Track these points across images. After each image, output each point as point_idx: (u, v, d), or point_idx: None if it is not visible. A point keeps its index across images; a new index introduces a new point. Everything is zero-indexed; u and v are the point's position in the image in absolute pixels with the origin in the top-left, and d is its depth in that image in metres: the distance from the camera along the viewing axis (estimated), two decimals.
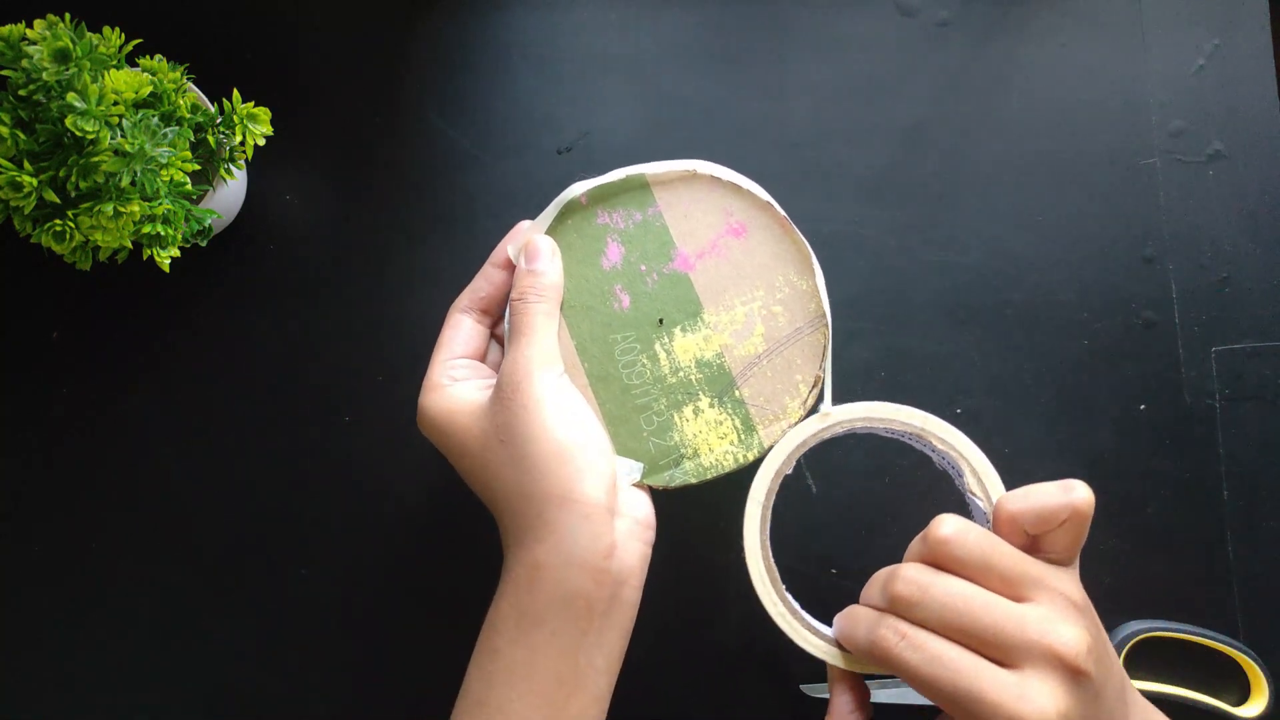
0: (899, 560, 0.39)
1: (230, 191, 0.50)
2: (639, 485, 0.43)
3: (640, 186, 0.44)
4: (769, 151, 0.54)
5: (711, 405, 0.43)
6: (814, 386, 0.43)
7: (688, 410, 0.43)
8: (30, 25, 0.42)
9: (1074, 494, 0.36)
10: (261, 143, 0.47)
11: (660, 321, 0.44)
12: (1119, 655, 0.49)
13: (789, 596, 0.42)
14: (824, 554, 0.51)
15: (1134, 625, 0.49)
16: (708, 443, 0.43)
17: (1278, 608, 0.51)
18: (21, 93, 0.41)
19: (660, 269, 0.44)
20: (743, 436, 0.43)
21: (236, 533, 0.53)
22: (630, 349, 0.44)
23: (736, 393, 0.43)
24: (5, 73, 0.42)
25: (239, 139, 0.47)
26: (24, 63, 0.41)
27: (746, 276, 0.44)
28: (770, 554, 0.42)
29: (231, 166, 0.48)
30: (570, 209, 0.45)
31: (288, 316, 0.54)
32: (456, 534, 0.52)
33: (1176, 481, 0.51)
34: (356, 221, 0.54)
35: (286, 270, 0.54)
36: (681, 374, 0.43)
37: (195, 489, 0.53)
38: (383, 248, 0.54)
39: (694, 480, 0.43)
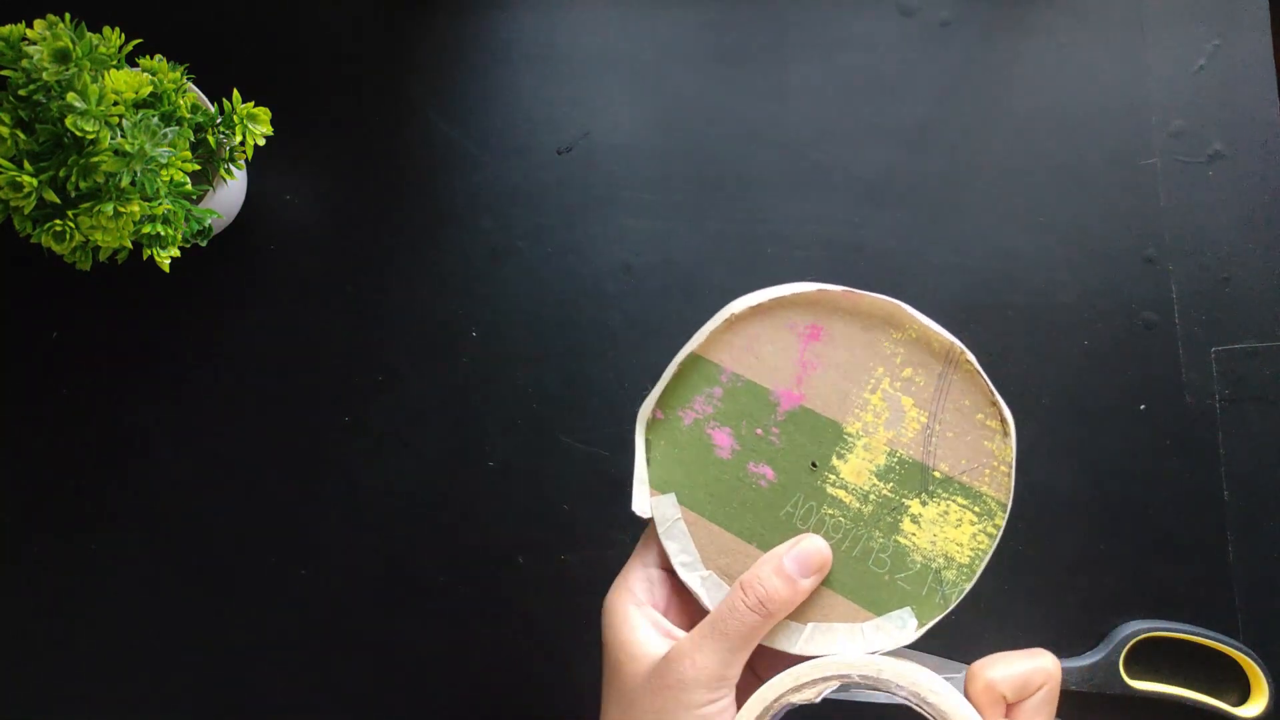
0: None
1: (230, 191, 0.50)
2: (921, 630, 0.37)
3: (696, 363, 0.40)
4: (769, 152, 0.54)
5: (924, 503, 0.37)
6: (996, 410, 0.37)
7: (905, 524, 0.37)
8: (30, 25, 0.41)
9: (1045, 659, 0.36)
10: (261, 143, 0.47)
11: (814, 465, 0.38)
12: (1119, 655, 0.49)
13: None
14: None
15: (1134, 625, 0.49)
16: (951, 539, 0.37)
17: (1278, 608, 0.51)
18: (21, 93, 0.41)
19: (774, 420, 0.39)
20: (977, 509, 0.37)
21: (236, 532, 0.53)
22: (807, 510, 0.38)
23: (936, 474, 0.37)
24: (5, 73, 0.42)
25: (239, 139, 0.47)
26: (24, 63, 0.41)
27: (856, 366, 0.38)
28: None
29: (231, 166, 0.48)
30: (653, 428, 0.40)
31: (288, 316, 0.54)
32: (456, 534, 0.52)
33: (1176, 481, 0.51)
34: (356, 221, 0.54)
35: (286, 270, 0.54)
36: (872, 496, 0.38)
37: (195, 488, 0.53)
38: (383, 248, 0.54)
39: (967, 584, 0.37)
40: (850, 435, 0.38)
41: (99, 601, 0.52)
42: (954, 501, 0.37)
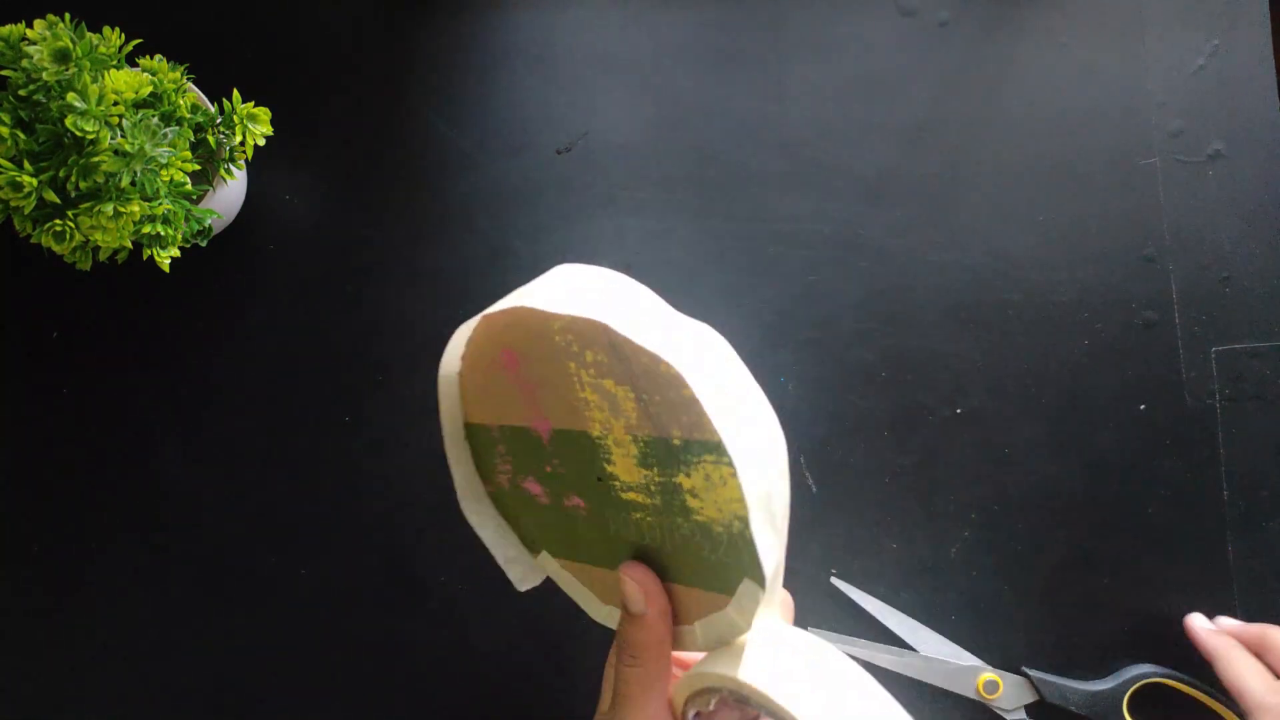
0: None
1: (230, 191, 0.50)
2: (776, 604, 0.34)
3: (473, 432, 0.40)
4: (769, 151, 0.54)
5: (688, 475, 0.33)
6: (657, 358, 0.31)
7: (691, 502, 0.33)
8: (30, 25, 0.41)
9: None
10: (261, 143, 0.47)
11: (599, 479, 0.36)
12: (1124, 692, 0.49)
13: None
14: (823, 554, 0.51)
15: (1145, 668, 0.49)
16: (730, 499, 0.32)
17: (1278, 609, 0.51)
18: (21, 93, 0.41)
19: (548, 453, 0.37)
20: (726, 459, 0.31)
21: (236, 532, 0.53)
22: (622, 522, 0.36)
23: (675, 442, 0.32)
24: (5, 73, 0.42)
25: (239, 139, 0.47)
26: (24, 63, 0.41)
27: (555, 372, 0.35)
28: None
29: (231, 166, 0.48)
30: (495, 501, 0.41)
31: (288, 316, 0.54)
32: (456, 534, 0.52)
33: (1176, 481, 0.51)
34: (356, 221, 0.54)
35: (286, 270, 0.54)
36: (651, 487, 0.34)
37: (195, 488, 0.53)
38: (383, 248, 0.54)
39: (769, 530, 0.32)
40: (599, 438, 0.35)
41: (99, 601, 0.52)
42: (704, 462, 0.32)
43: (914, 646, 0.50)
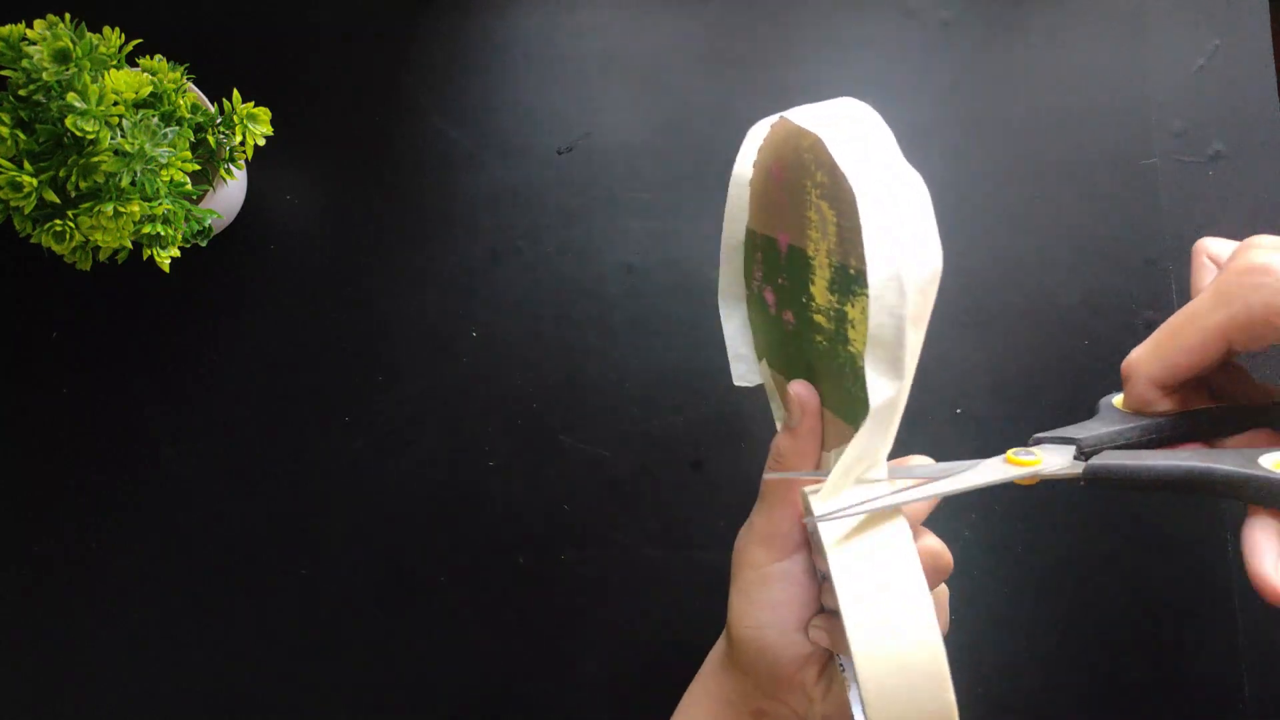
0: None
1: (230, 191, 0.50)
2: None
3: (749, 237, 0.43)
4: None
5: (852, 304, 0.34)
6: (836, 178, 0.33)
7: (850, 333, 0.34)
8: (30, 25, 0.41)
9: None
10: (261, 143, 0.47)
11: (804, 299, 0.38)
12: None
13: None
14: None
15: None
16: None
17: (1278, 609, 0.51)
18: (21, 93, 0.41)
19: (782, 265, 0.39)
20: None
21: (236, 532, 0.53)
22: (815, 343, 0.37)
23: (851, 271, 0.33)
24: (5, 73, 0.42)
25: (239, 139, 0.47)
26: (24, 63, 0.41)
27: (797, 189, 0.37)
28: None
29: (231, 166, 0.48)
30: (747, 303, 0.45)
31: (288, 316, 0.54)
32: (456, 534, 0.52)
33: None
34: (356, 221, 0.54)
35: (286, 270, 0.54)
36: (832, 313, 0.35)
37: (195, 488, 0.53)
38: (383, 248, 0.54)
39: (885, 366, 0.32)
40: (811, 258, 0.37)
41: (99, 601, 0.52)
42: (864, 295, 0.32)
43: None
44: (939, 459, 0.49)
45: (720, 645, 0.42)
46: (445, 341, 0.53)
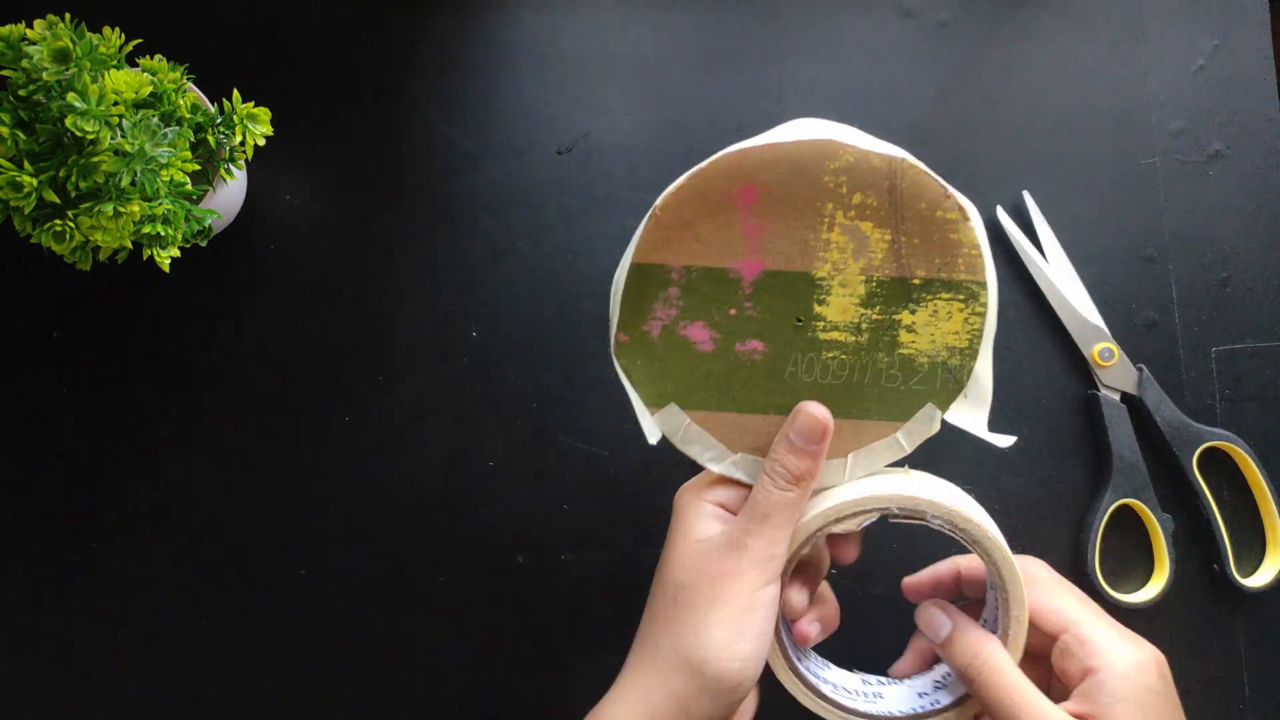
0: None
1: (230, 191, 0.50)
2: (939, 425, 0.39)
3: (641, 274, 0.39)
4: None
5: (913, 311, 0.38)
6: (953, 201, 0.37)
7: (903, 337, 0.38)
8: (30, 25, 0.41)
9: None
10: (261, 143, 0.47)
11: (798, 321, 0.38)
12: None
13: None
14: None
15: None
16: (947, 332, 0.38)
17: (1278, 610, 0.51)
18: (21, 93, 0.41)
19: (743, 295, 0.38)
20: (962, 297, 0.37)
21: (236, 532, 0.53)
22: (808, 363, 0.39)
23: (916, 281, 0.37)
24: (5, 73, 0.42)
25: (239, 139, 0.47)
26: (24, 63, 0.41)
27: (803, 211, 0.37)
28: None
29: (231, 166, 0.48)
30: (624, 352, 0.40)
31: (288, 316, 0.54)
32: (456, 534, 0.52)
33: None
34: (356, 221, 0.54)
35: (286, 270, 0.54)
36: (863, 326, 0.38)
37: (195, 488, 0.53)
38: (383, 248, 0.54)
39: (973, 361, 0.38)
40: (823, 279, 0.38)
41: (99, 601, 0.52)
42: (939, 299, 0.37)
43: None
44: (934, 460, 0.49)
45: (660, 663, 0.37)
46: (445, 341, 0.53)
